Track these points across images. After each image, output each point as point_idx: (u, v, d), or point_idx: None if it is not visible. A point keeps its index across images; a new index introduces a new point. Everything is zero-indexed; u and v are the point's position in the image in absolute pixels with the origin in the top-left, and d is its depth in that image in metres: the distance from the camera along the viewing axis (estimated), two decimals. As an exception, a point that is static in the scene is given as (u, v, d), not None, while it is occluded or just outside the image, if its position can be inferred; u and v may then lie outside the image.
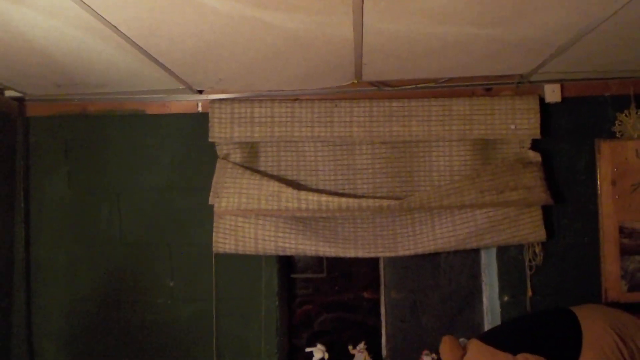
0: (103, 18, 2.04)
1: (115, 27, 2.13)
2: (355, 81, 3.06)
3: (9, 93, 3.20)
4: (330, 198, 3.00)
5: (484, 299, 3.43)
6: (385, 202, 3.00)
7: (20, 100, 3.28)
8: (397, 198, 3.07)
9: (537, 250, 3.13)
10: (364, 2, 1.93)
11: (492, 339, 2.81)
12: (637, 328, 2.68)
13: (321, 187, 3.17)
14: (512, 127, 3.09)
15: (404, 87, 3.16)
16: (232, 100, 3.19)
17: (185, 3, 1.94)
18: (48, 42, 2.31)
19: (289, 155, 3.20)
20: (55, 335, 3.27)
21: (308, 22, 2.14)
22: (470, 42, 2.45)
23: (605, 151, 3.16)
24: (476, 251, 3.44)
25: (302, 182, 3.18)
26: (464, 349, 2.85)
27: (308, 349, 3.32)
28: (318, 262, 3.54)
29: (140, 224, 3.28)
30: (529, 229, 3.06)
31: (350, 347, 3.32)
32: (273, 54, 2.52)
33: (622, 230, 3.13)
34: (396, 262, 3.48)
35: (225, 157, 3.19)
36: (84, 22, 2.08)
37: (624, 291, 3.12)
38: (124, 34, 2.21)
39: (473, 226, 3.06)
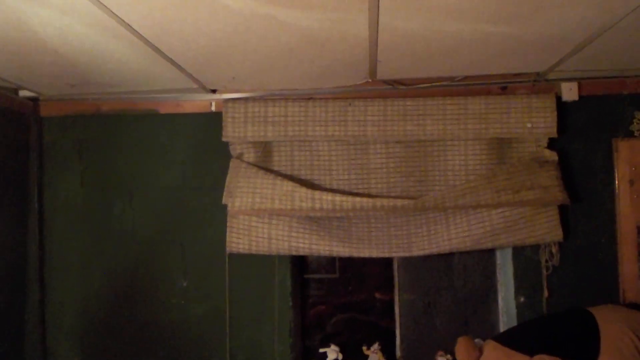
0: (116, 15, 2.03)
1: (128, 24, 2.12)
2: (370, 80, 3.04)
3: (23, 93, 3.21)
4: (344, 198, 2.98)
5: (499, 300, 3.39)
6: (399, 202, 2.98)
7: (34, 100, 3.29)
8: (411, 198, 3.05)
9: (554, 250, 3.09)
10: (380, -2, 1.92)
11: (508, 339, 2.78)
12: (656, 330, 2.65)
13: (335, 187, 3.15)
14: (529, 125, 3.05)
15: (418, 85, 3.13)
16: (245, 99, 3.18)
17: (198, 0, 1.92)
18: (61, 41, 2.30)
19: (302, 154, 3.18)
20: (68, 333, 3.28)
21: (322, 20, 2.12)
22: (486, 40, 2.42)
23: (623, 150, 3.11)
24: (491, 251, 3.41)
25: (316, 182, 3.16)
26: (479, 350, 2.83)
27: (322, 350, 3.30)
28: (330, 262, 3.52)
29: (154, 223, 3.28)
30: (546, 229, 3.02)
31: (364, 348, 3.30)
32: (286, 52, 2.50)
33: (640, 230, 3.09)
34: (410, 263, 3.45)
35: (239, 157, 3.18)
36: (96, 20, 2.08)
37: (643, 292, 3.08)
38: (137, 31, 2.20)
39: (489, 226, 3.03)
